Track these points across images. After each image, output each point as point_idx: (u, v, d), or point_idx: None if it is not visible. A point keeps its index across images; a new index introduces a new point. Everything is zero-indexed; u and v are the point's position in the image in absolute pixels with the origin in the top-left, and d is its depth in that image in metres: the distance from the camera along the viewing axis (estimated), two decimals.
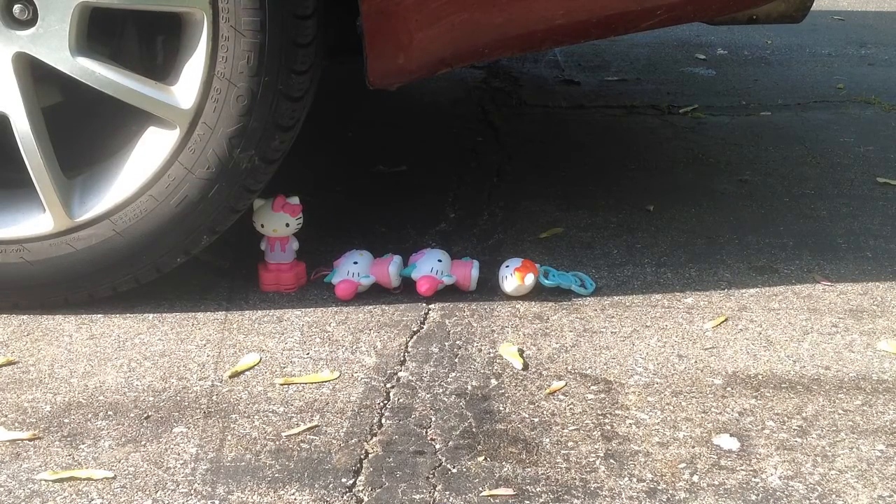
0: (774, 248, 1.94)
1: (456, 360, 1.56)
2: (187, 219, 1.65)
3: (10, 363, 1.57)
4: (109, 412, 1.43)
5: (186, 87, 1.60)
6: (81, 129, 1.76)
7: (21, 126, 1.60)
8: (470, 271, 1.74)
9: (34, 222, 1.66)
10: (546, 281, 1.74)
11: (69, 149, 1.67)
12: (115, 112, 1.66)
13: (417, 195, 2.22)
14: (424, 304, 1.72)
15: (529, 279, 1.71)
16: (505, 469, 1.29)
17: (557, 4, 1.66)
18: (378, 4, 1.56)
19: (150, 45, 1.81)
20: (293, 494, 1.25)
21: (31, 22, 1.56)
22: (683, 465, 1.30)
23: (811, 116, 2.81)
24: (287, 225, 1.75)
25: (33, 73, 1.61)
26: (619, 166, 2.42)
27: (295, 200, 1.75)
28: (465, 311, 1.70)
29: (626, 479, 1.27)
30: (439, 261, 1.74)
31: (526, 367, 1.53)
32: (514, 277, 1.71)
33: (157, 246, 1.67)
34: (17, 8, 1.56)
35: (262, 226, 1.75)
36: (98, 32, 1.63)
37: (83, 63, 1.57)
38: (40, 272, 1.67)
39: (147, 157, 1.65)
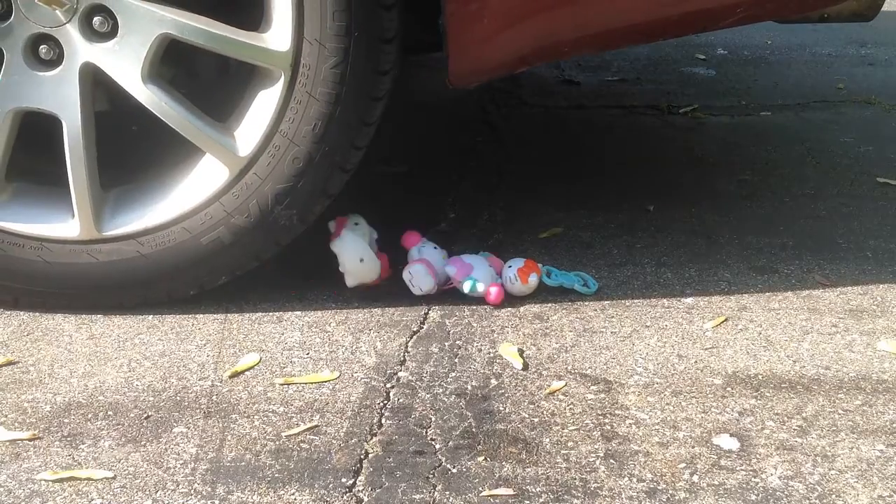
0: (774, 248, 1.94)
1: (456, 360, 1.56)
2: (213, 258, 1.66)
3: (10, 363, 1.57)
4: (109, 412, 1.43)
5: (247, 134, 1.61)
6: (120, 142, 1.75)
7: (72, 132, 1.59)
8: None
9: (61, 225, 1.65)
10: (549, 280, 1.74)
11: (105, 160, 1.66)
12: (161, 135, 1.65)
13: (418, 195, 2.22)
14: (424, 304, 1.72)
15: (533, 279, 1.72)
16: (505, 469, 1.29)
17: (641, 2, 1.65)
18: (462, 4, 1.55)
19: (217, 80, 1.79)
20: (293, 494, 1.25)
21: (107, 35, 1.56)
22: (683, 465, 1.30)
23: (811, 116, 2.81)
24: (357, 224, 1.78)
25: (94, 81, 1.61)
26: (619, 166, 2.42)
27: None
28: (465, 311, 1.70)
29: (626, 479, 1.27)
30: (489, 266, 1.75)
31: (526, 367, 1.53)
32: (517, 278, 1.71)
33: (176, 276, 1.68)
34: (97, 20, 1.55)
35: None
36: (166, 55, 1.63)
37: (152, 90, 1.57)
38: (54, 274, 1.67)
39: (190, 189, 1.65)
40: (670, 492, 1.25)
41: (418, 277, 1.70)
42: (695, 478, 1.27)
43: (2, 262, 1.66)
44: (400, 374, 1.52)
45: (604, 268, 1.86)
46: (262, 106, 1.61)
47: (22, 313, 1.72)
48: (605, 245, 1.96)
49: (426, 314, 1.69)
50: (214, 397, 1.47)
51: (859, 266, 1.86)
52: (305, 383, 1.50)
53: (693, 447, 1.34)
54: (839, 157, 2.46)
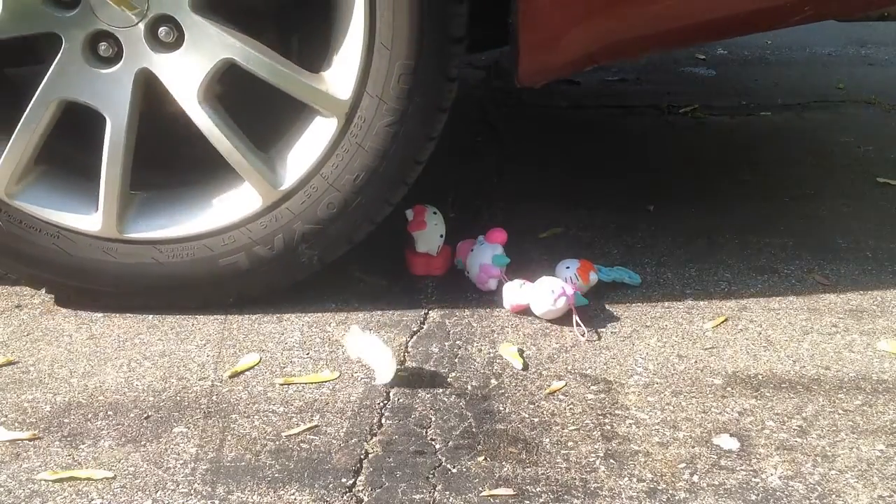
0: (774, 248, 1.94)
1: (456, 360, 1.56)
2: (226, 280, 1.67)
3: (10, 363, 1.57)
4: (109, 412, 1.43)
5: (288, 170, 1.62)
6: (150, 146, 1.74)
7: (116, 131, 1.58)
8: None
9: (84, 217, 1.64)
10: (603, 276, 1.75)
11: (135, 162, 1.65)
12: (195, 148, 1.65)
13: (417, 195, 2.22)
14: (424, 304, 1.72)
15: (593, 277, 1.72)
16: (505, 469, 1.29)
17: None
18: (534, 1, 1.55)
19: (265, 107, 1.80)
20: (293, 494, 1.25)
21: (171, 46, 1.56)
22: (683, 465, 1.30)
23: (811, 116, 2.81)
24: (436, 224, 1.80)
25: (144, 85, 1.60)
26: (619, 166, 2.42)
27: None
28: (465, 311, 1.70)
29: (626, 479, 1.27)
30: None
31: (526, 367, 1.53)
32: (577, 276, 1.70)
33: (186, 289, 1.68)
34: (163, 29, 1.55)
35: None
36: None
37: (206, 111, 1.58)
38: (70, 265, 1.66)
39: (220, 209, 1.65)
40: (670, 492, 1.25)
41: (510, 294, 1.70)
42: (695, 478, 1.27)
43: (12, 241, 1.65)
44: (400, 374, 1.52)
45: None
46: (309, 146, 1.62)
47: (22, 313, 1.72)
48: (605, 245, 1.96)
49: (426, 314, 1.70)
50: (214, 397, 1.47)
51: (859, 266, 1.86)
52: (305, 383, 1.50)
53: (693, 447, 1.34)
54: (839, 157, 2.46)
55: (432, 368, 1.53)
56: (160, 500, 1.24)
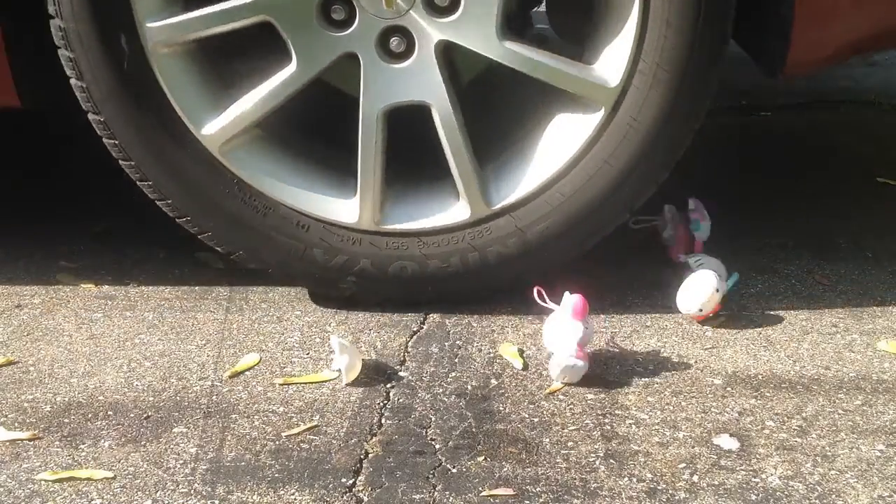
0: (774, 248, 1.94)
1: (456, 360, 1.56)
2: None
3: (10, 363, 1.57)
4: (109, 412, 1.43)
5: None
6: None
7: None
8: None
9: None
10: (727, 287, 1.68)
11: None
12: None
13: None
14: (424, 305, 1.72)
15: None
16: (505, 469, 1.29)
17: None
18: None
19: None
20: (293, 494, 1.25)
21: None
22: (683, 465, 1.30)
23: (811, 116, 2.81)
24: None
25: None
26: None
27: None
28: (465, 311, 1.70)
29: (626, 479, 1.27)
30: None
31: (526, 367, 1.53)
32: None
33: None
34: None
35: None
36: None
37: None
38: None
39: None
40: (670, 492, 1.25)
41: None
42: (695, 478, 1.27)
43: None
44: (400, 373, 1.52)
45: (604, 268, 1.85)
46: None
47: (22, 313, 1.72)
48: (605, 245, 1.96)
49: (426, 314, 1.69)
50: (214, 397, 1.47)
51: (859, 266, 1.86)
52: (305, 383, 1.50)
53: (693, 447, 1.34)
54: (839, 157, 2.46)
55: (432, 368, 1.53)
56: (160, 500, 1.24)
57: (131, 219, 2.03)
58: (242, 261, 1.66)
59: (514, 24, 1.70)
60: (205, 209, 1.61)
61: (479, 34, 1.53)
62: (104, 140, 1.58)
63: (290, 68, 1.54)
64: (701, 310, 1.62)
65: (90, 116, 1.56)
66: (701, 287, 1.62)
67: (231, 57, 1.66)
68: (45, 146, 2.52)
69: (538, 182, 1.60)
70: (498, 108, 1.80)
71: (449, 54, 1.59)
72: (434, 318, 1.68)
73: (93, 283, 1.82)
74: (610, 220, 1.64)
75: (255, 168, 1.61)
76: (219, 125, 1.57)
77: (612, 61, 1.56)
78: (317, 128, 1.76)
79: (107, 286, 1.81)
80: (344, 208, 1.62)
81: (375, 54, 1.55)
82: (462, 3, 1.52)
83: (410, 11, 1.52)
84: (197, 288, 1.79)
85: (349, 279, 1.65)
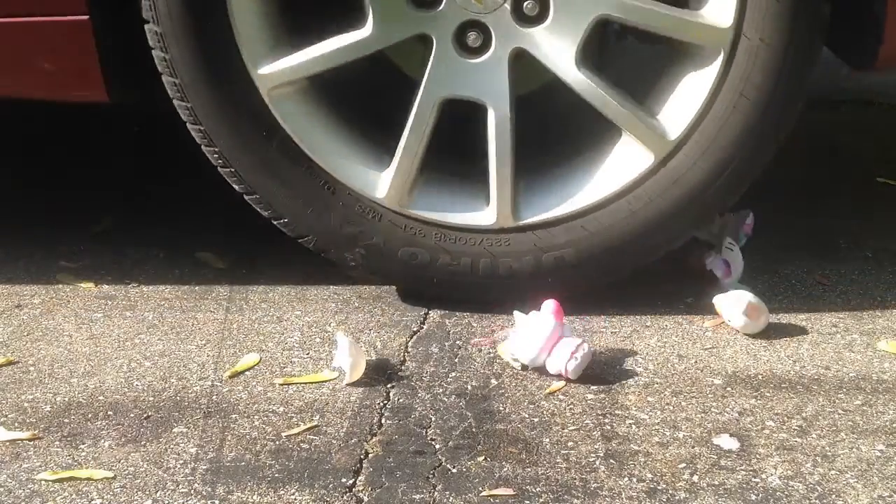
0: (774, 248, 1.94)
1: (456, 360, 1.56)
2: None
3: (10, 363, 1.57)
4: (109, 412, 1.43)
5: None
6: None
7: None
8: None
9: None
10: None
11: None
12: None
13: None
14: (424, 304, 1.72)
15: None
16: (505, 469, 1.29)
17: None
18: None
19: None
20: (293, 494, 1.25)
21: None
22: (683, 465, 1.30)
23: (811, 116, 2.80)
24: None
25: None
26: None
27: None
28: (465, 311, 1.70)
29: (626, 479, 1.27)
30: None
31: (526, 367, 1.53)
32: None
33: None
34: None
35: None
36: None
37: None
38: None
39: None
40: (670, 492, 1.25)
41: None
42: (695, 478, 1.27)
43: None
44: (400, 373, 1.52)
45: None
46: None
47: (22, 313, 1.72)
48: None
49: (426, 314, 1.69)
50: (214, 397, 1.47)
51: (859, 266, 1.86)
52: (305, 383, 1.50)
53: (693, 447, 1.34)
54: (839, 157, 2.46)
55: (432, 368, 1.54)
56: (160, 500, 1.24)
57: (131, 219, 2.04)
58: (260, 206, 1.64)
59: (592, 54, 1.69)
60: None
61: (559, 51, 1.53)
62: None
63: (364, 32, 1.54)
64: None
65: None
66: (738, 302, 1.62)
67: (304, 11, 1.66)
68: (48, 147, 2.52)
69: (569, 210, 1.61)
70: (543, 129, 1.80)
71: (518, 62, 1.58)
72: (434, 318, 1.68)
73: (93, 283, 1.82)
74: (626, 264, 1.66)
75: (298, 121, 1.60)
76: (274, 68, 1.56)
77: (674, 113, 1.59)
78: (362, 98, 1.76)
79: (107, 286, 1.81)
80: (374, 182, 1.62)
81: (450, 43, 1.55)
82: (550, 14, 1.52)
83: (497, 11, 1.53)
84: (197, 288, 1.79)
85: (357, 251, 1.65)
